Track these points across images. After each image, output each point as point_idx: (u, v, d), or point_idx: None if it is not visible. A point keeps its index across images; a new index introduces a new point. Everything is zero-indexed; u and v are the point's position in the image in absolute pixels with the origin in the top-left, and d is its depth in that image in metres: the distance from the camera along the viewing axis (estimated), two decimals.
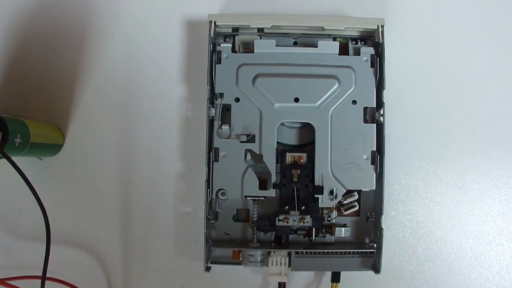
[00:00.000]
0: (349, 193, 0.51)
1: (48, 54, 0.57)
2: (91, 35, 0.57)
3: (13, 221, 0.56)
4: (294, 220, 0.50)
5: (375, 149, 0.50)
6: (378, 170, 0.50)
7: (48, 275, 0.50)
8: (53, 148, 0.55)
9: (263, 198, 0.51)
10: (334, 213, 0.52)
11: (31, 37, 0.57)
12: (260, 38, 0.53)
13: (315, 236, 0.52)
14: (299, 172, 0.50)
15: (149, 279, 0.56)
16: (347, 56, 0.52)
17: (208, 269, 0.51)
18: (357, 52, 0.52)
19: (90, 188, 0.56)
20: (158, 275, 0.56)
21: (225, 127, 0.51)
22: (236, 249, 0.51)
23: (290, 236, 0.52)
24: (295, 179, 0.50)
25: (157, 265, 0.56)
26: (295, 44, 0.53)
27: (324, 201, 0.50)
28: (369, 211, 0.53)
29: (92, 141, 0.56)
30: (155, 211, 0.56)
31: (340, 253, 0.51)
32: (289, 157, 0.51)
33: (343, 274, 0.52)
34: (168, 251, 0.55)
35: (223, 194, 0.50)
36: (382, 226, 0.50)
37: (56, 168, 0.56)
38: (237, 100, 0.51)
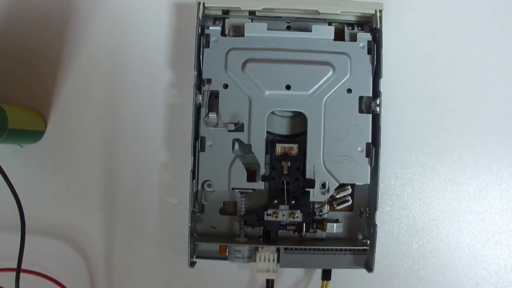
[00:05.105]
0: (342, 186, 0.50)
1: (30, 37, 0.55)
2: (74, 17, 0.55)
3: None
4: (284, 215, 0.49)
5: (370, 141, 0.49)
6: (373, 163, 0.49)
7: (27, 267, 0.51)
8: (34, 134, 0.54)
9: (251, 191, 0.50)
10: (326, 208, 0.51)
11: (12, 18, 0.55)
12: (251, 22, 0.51)
13: (305, 231, 0.51)
14: (289, 164, 0.49)
15: (133, 272, 0.55)
16: (342, 42, 0.50)
17: (192, 264, 0.50)
18: (353, 38, 0.50)
19: (72, 177, 0.55)
20: (142, 268, 0.55)
21: (212, 115, 0.49)
22: (222, 244, 0.50)
23: (279, 231, 0.51)
24: (285, 172, 0.49)
25: (141, 258, 0.55)
26: (288, 28, 0.52)
27: (315, 195, 0.49)
28: (362, 206, 0.52)
29: (74, 128, 0.55)
30: (139, 202, 0.55)
31: (332, 249, 0.50)
32: (279, 148, 0.49)
33: (334, 272, 0.51)
34: (153, 244, 0.55)
35: (209, 185, 0.49)
36: (376, 222, 0.49)
37: (38, 155, 0.55)
38: (226, 86, 0.49)
